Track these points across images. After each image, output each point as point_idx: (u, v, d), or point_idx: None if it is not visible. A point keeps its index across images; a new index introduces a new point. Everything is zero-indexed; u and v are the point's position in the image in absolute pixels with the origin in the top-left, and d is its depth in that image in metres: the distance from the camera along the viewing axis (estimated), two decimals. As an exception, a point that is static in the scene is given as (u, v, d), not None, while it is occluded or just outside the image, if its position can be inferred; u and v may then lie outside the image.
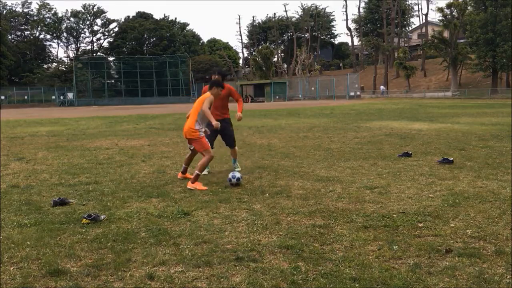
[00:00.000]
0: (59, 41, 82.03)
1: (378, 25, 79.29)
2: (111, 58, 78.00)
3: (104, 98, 69.29)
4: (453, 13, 55.86)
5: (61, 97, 63.05)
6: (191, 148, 6.53)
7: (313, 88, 59.95)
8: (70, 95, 64.27)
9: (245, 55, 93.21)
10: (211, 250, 3.64)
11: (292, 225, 4.28)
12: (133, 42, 78.72)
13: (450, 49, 53.94)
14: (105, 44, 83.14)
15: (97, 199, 5.46)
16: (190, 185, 5.98)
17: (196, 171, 6.05)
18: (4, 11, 72.87)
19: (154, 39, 79.28)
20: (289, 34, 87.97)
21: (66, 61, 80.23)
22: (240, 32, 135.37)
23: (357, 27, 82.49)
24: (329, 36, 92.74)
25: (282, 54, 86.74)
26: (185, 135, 6.33)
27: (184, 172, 6.67)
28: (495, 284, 2.95)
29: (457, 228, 4.09)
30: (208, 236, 3.99)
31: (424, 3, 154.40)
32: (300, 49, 70.20)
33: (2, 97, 60.06)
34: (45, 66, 79.35)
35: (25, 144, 11.70)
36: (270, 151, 9.38)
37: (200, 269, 3.29)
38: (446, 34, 58.22)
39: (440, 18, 57.74)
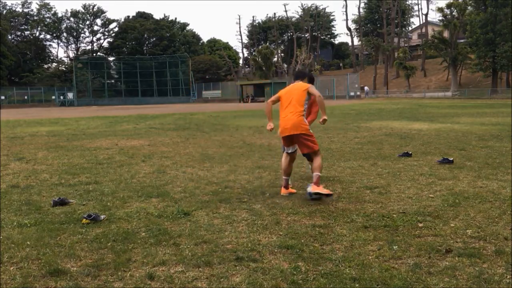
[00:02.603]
0: (59, 41, 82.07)
1: (378, 25, 79.27)
2: (111, 58, 78.04)
3: (104, 98, 69.35)
4: (453, 13, 55.88)
5: (61, 97, 63.10)
6: (291, 151, 5.52)
7: (313, 88, 59.80)
8: (70, 95, 64.33)
9: (245, 55, 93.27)
10: (211, 250, 3.64)
11: (292, 225, 4.28)
12: (133, 42, 78.70)
13: (450, 49, 53.94)
14: (105, 44, 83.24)
15: (97, 199, 5.46)
16: (316, 189, 5.11)
17: (318, 173, 5.26)
18: (4, 11, 72.87)
19: (154, 39, 79.25)
20: (289, 34, 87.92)
21: (66, 61, 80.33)
22: (240, 32, 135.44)
23: (357, 27, 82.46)
24: (329, 36, 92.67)
25: (282, 54, 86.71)
26: (294, 130, 5.32)
27: (287, 186, 5.57)
28: (495, 284, 2.95)
29: (457, 228, 4.09)
30: (208, 236, 3.99)
31: (424, 3, 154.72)
32: (300, 49, 70.19)
33: (2, 97, 60.10)
34: (45, 66, 79.34)
35: (25, 144, 11.70)
36: (270, 151, 9.37)
37: (200, 269, 3.29)
38: (446, 34, 58.21)
39: (440, 18, 57.83)
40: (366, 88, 60.83)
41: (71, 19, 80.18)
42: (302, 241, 3.82)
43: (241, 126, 16.08)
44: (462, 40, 57.59)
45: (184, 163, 8.03)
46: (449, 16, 55.69)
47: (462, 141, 10.39)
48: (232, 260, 3.42)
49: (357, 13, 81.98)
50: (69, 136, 13.59)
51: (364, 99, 50.91)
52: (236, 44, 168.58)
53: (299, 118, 5.41)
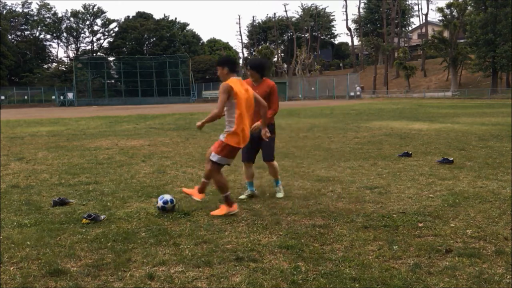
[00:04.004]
0: (59, 41, 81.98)
1: (378, 25, 79.28)
2: (111, 58, 77.96)
3: (104, 98, 69.27)
4: (453, 13, 55.91)
5: (61, 97, 62.96)
6: (230, 164, 4.95)
7: (313, 88, 59.87)
8: (70, 95, 64.16)
9: (245, 55, 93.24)
10: (211, 250, 3.64)
11: (292, 225, 4.28)
12: (133, 42, 78.66)
13: (450, 49, 53.95)
14: (105, 44, 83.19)
15: (97, 199, 5.46)
16: (192, 193, 4.86)
17: (204, 180, 4.90)
18: (4, 11, 72.84)
19: (154, 39, 79.21)
20: (289, 34, 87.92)
21: (66, 61, 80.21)
22: (240, 32, 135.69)
23: (357, 27, 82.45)
24: (329, 36, 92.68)
25: (282, 54, 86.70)
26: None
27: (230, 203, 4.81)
28: (495, 284, 2.95)
29: (457, 228, 4.09)
30: (208, 236, 3.99)
31: (424, 3, 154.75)
32: (300, 49, 70.16)
33: (2, 97, 60.01)
34: (45, 66, 79.29)
35: (25, 144, 11.69)
36: (270, 151, 9.36)
37: (200, 269, 3.29)
38: (446, 34, 58.23)
39: (440, 18, 57.90)
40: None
41: (71, 19, 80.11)
42: (302, 241, 3.82)
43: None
44: (462, 40, 57.59)
45: (184, 163, 8.03)
46: (449, 16, 55.73)
47: (462, 141, 10.39)
48: (232, 260, 3.42)
49: (357, 13, 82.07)
50: (69, 136, 13.59)
51: (364, 99, 50.88)
52: (236, 44, 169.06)
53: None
